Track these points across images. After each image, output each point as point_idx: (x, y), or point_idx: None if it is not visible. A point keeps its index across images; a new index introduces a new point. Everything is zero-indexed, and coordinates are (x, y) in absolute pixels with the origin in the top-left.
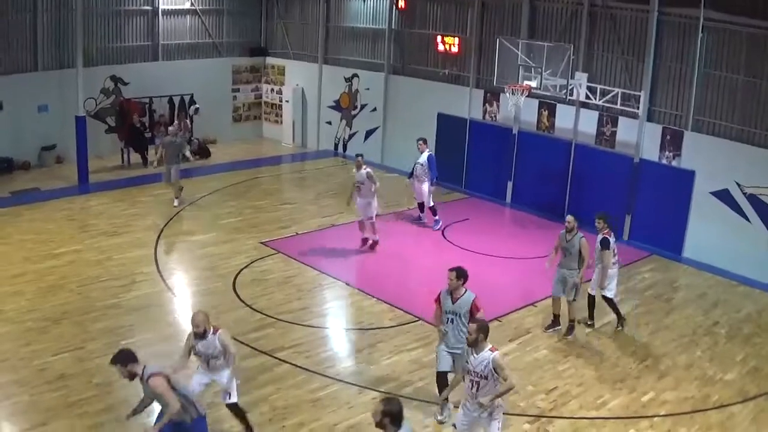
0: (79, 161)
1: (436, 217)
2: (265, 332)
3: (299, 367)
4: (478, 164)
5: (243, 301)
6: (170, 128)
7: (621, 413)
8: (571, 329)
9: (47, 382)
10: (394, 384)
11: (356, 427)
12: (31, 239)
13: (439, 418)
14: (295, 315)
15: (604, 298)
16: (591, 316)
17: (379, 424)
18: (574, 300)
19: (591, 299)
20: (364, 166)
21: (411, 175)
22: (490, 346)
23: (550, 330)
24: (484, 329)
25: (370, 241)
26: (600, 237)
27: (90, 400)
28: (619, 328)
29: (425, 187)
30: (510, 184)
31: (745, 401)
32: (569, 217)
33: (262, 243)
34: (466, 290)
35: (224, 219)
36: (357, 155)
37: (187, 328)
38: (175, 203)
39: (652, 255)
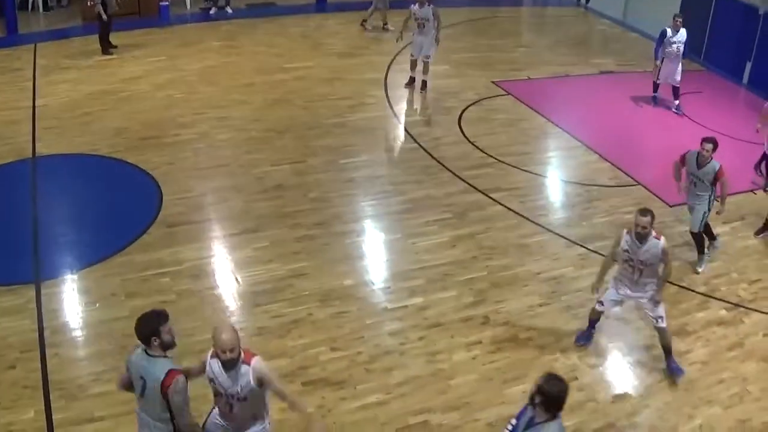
0: None
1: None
2: (484, 171)
3: (512, 210)
4: (720, 38)
5: (466, 137)
6: None
7: None
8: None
9: (263, 190)
10: (604, 243)
11: (558, 279)
12: (264, 52)
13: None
14: (517, 159)
15: None
16: None
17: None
18: None
19: None
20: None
21: (657, 54)
22: (654, 234)
23: (760, 236)
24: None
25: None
26: None
27: (303, 213)
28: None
29: (678, 68)
30: (749, 65)
31: None
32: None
33: (493, 82)
34: (712, 159)
35: (458, 53)
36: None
37: (407, 156)
38: (368, 27)
39: None
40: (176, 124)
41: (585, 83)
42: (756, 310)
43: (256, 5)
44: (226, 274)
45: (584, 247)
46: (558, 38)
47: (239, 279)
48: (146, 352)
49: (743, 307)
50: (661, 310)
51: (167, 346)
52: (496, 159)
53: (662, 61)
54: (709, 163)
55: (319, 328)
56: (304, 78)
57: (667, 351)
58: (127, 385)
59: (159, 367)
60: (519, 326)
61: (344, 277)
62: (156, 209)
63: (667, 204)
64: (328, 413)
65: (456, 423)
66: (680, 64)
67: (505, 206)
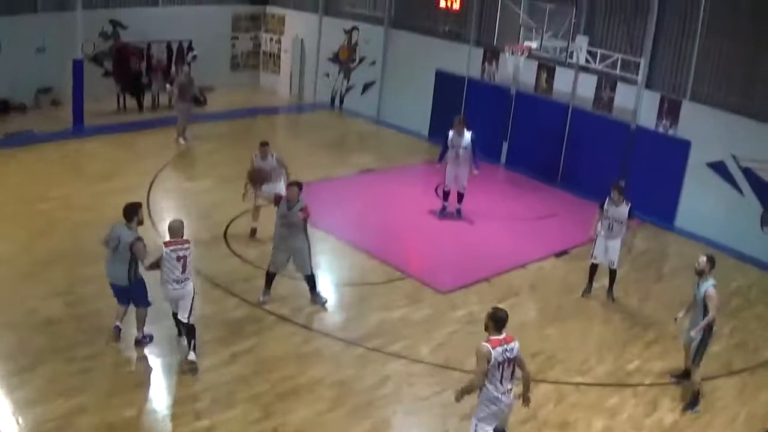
0: (74, 104)
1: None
2: (254, 283)
3: (287, 319)
4: (475, 123)
5: (233, 251)
6: (184, 68)
7: (606, 380)
8: (695, 401)
9: (36, 325)
10: (381, 340)
11: (342, 383)
12: (24, 181)
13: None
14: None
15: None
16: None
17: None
18: (697, 361)
19: (594, 268)
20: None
21: (442, 158)
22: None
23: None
24: (494, 319)
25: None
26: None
27: (78, 346)
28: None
29: (465, 173)
30: (505, 145)
31: (730, 374)
32: (702, 258)
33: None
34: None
35: (218, 167)
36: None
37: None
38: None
39: (644, 223)
40: None
41: (346, 183)
42: (543, 381)
43: (14, 134)
44: (6, 416)
45: (363, 346)
46: (315, 141)
47: (20, 420)
48: (126, 225)
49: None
50: None
51: (140, 223)
52: (265, 270)
53: (447, 166)
54: (296, 203)
55: None
56: (67, 205)
57: None
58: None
59: (131, 233)
60: None
61: (125, 409)
62: None
63: (440, 291)
64: None
65: None
66: (467, 169)
67: (280, 316)
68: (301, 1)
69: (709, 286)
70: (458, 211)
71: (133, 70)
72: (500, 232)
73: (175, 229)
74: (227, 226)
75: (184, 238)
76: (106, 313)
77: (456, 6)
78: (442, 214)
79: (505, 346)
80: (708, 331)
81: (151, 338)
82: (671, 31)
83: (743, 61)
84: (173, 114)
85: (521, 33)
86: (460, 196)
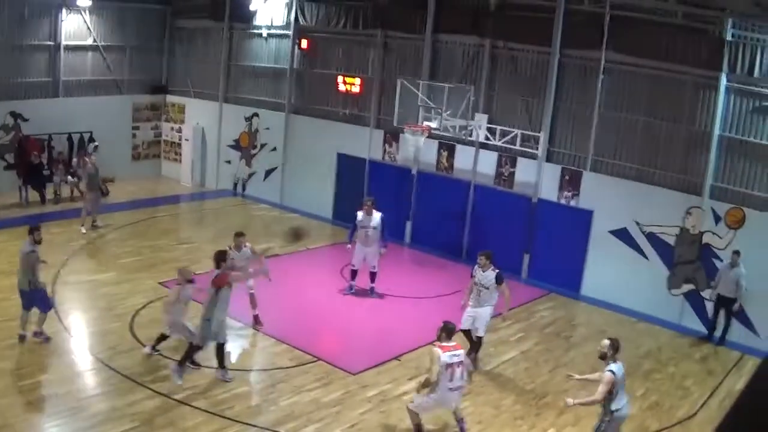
0: None
1: (373, 284)
2: (162, 373)
3: (198, 408)
4: (378, 204)
5: (140, 342)
6: (92, 158)
7: None
8: None
9: None
10: (294, 424)
11: None
12: None
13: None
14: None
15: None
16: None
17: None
18: None
19: (466, 334)
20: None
21: (352, 237)
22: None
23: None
24: (445, 330)
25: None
26: (496, 272)
27: None
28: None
29: (374, 252)
30: (409, 224)
31: None
32: (604, 342)
33: (160, 283)
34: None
35: (122, 258)
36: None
37: (84, 369)
38: (83, 230)
39: (551, 293)
40: None
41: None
42: None
43: None
44: None
45: (274, 431)
46: (218, 229)
47: None
48: (27, 240)
49: None
50: None
51: (37, 242)
52: (172, 359)
53: (355, 245)
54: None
55: None
56: None
57: None
58: None
59: (29, 246)
60: None
61: None
62: None
63: (351, 373)
64: None
65: None
66: (377, 248)
67: (191, 405)
68: (201, 89)
69: (606, 370)
70: (372, 290)
71: (34, 162)
72: (408, 310)
73: (180, 272)
74: (133, 317)
75: (184, 281)
76: (12, 412)
77: (356, 89)
78: (349, 292)
79: (453, 351)
80: (604, 414)
81: (47, 339)
82: (569, 105)
83: (641, 130)
84: (76, 206)
85: (421, 113)
86: (373, 275)
